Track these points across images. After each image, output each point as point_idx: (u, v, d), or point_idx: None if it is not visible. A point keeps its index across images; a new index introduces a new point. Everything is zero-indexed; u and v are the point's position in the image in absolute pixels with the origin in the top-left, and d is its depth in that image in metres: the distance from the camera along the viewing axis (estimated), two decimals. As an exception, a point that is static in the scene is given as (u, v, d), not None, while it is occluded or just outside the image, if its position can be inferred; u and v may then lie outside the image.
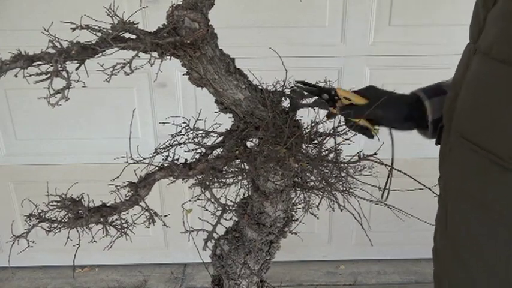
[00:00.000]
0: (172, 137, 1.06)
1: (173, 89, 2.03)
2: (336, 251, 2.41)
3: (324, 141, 1.01)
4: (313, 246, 2.36)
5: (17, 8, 1.88)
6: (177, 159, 1.03)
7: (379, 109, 0.95)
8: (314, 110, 1.04)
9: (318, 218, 1.19)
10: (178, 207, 1.16)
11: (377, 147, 0.99)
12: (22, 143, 2.13)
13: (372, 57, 1.99)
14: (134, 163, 1.02)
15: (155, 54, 0.83)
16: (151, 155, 1.03)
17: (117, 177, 0.99)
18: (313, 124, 1.01)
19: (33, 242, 0.95)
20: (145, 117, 2.08)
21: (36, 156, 2.15)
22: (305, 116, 1.05)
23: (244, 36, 1.92)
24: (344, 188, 1.04)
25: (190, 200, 1.08)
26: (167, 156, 1.03)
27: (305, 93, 1.02)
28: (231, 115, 1.05)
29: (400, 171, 1.00)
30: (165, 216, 1.07)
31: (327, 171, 1.00)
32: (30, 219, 0.94)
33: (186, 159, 1.03)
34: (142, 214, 0.99)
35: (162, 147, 1.05)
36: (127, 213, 1.00)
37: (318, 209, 1.09)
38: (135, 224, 1.00)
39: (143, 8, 1.69)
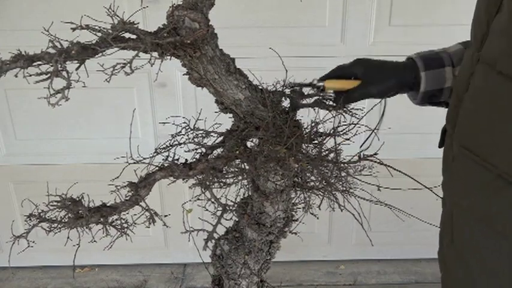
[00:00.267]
0: (172, 137, 1.06)
1: (173, 89, 2.03)
2: (336, 251, 2.41)
3: (324, 141, 1.01)
4: (313, 246, 2.36)
5: (17, 8, 1.88)
6: (177, 159, 1.03)
7: (371, 87, 0.92)
8: (314, 110, 1.04)
9: (318, 218, 1.19)
10: (179, 207, 1.16)
11: (377, 147, 0.99)
12: (22, 143, 2.13)
13: (372, 57, 1.99)
14: (134, 163, 1.02)
15: (155, 54, 0.83)
16: (151, 155, 1.03)
17: (117, 177, 0.99)
18: (313, 124, 1.01)
19: (33, 242, 0.95)
20: (145, 117, 2.08)
21: (36, 156, 2.15)
22: (305, 116, 1.05)
23: (244, 36, 1.92)
24: (344, 188, 1.04)
25: (190, 200, 1.08)
26: (167, 156, 1.03)
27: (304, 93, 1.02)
28: (231, 115, 1.05)
29: (400, 171, 1.00)
30: (165, 216, 1.07)
31: (327, 171, 1.00)
32: (30, 219, 0.94)
33: (186, 159, 1.03)
34: (143, 214, 0.99)
35: (162, 147, 1.05)
36: (127, 213, 1.00)
37: (320, 209, 1.09)
38: (135, 224, 1.00)
39: (143, 8, 1.69)
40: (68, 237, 0.95)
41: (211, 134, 1.07)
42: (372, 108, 1.02)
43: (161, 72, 0.86)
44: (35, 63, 0.73)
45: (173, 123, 1.09)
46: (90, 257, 2.30)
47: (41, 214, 0.94)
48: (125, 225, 1.00)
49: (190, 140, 1.06)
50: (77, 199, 0.95)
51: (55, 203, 0.93)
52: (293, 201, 1.16)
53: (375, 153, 0.98)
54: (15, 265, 2.38)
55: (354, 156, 0.99)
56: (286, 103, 1.03)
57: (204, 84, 0.95)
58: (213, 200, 1.08)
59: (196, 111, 1.10)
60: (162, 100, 2.05)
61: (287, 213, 1.14)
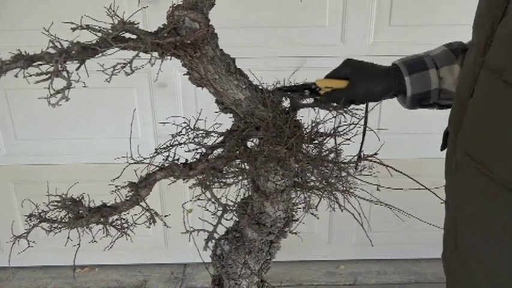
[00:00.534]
0: (172, 137, 1.06)
1: (173, 89, 2.03)
2: (336, 251, 2.41)
3: (325, 142, 1.01)
4: (313, 246, 2.36)
5: (17, 8, 1.88)
6: (178, 159, 1.03)
7: (359, 88, 0.94)
8: (314, 110, 1.04)
9: (318, 218, 1.19)
10: (179, 207, 1.16)
11: (377, 147, 0.99)
12: (22, 143, 2.13)
13: (372, 57, 1.97)
14: (134, 163, 1.02)
15: (155, 54, 0.83)
16: (151, 155, 1.03)
17: (118, 177, 0.99)
18: (313, 124, 1.01)
19: (34, 242, 0.95)
20: (145, 117, 2.08)
21: (36, 156, 2.15)
22: (305, 116, 1.05)
23: (244, 36, 1.92)
24: (344, 188, 1.04)
25: (190, 200, 1.08)
26: (167, 156, 1.03)
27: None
28: (231, 115, 1.05)
29: (401, 172, 1.00)
30: (166, 216, 1.07)
31: (327, 171, 1.00)
32: (30, 219, 0.94)
33: (186, 159, 1.03)
34: (143, 214, 0.99)
35: (162, 147, 1.05)
36: (127, 214, 1.00)
37: (317, 210, 1.09)
38: (135, 224, 1.00)
39: (143, 8, 1.69)
40: (68, 237, 0.95)
41: (212, 134, 1.07)
42: (372, 108, 1.02)
43: (161, 72, 0.86)
44: (35, 63, 0.73)
45: (173, 123, 1.09)
46: (90, 257, 2.30)
47: (41, 214, 0.94)
48: (125, 225, 1.00)
49: (190, 140, 1.06)
50: (77, 199, 0.95)
51: (55, 203, 0.93)
52: (293, 201, 1.16)
53: (375, 153, 0.98)
54: (15, 265, 2.38)
55: (354, 156, 0.99)
56: (286, 103, 1.03)
57: (204, 84, 0.95)
58: (213, 200, 1.08)
59: (197, 111, 1.10)
60: (162, 100, 2.05)
61: (287, 213, 1.14)
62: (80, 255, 1.00)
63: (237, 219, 1.19)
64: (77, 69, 0.76)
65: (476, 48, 0.76)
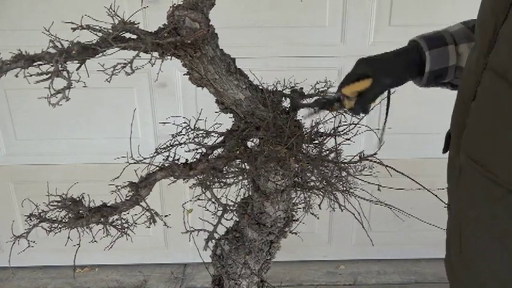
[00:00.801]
0: (172, 137, 1.06)
1: (173, 89, 2.03)
2: (336, 251, 2.41)
3: (325, 141, 1.01)
4: (313, 246, 2.36)
5: (17, 8, 1.88)
6: (178, 159, 1.03)
7: (384, 79, 0.90)
8: (315, 110, 1.04)
9: (318, 218, 1.19)
10: (179, 207, 1.16)
11: (377, 147, 0.99)
12: (22, 143, 2.13)
13: (372, 57, 1.99)
14: (135, 163, 1.02)
15: (156, 54, 0.83)
16: (151, 155, 1.03)
17: (118, 177, 0.99)
18: (313, 124, 1.01)
19: (34, 242, 0.95)
20: (145, 117, 2.08)
21: (36, 156, 2.15)
22: (305, 116, 1.05)
23: (244, 36, 1.92)
24: (344, 188, 1.04)
25: (190, 200, 1.08)
26: (168, 156, 1.03)
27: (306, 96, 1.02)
28: (231, 115, 1.05)
29: (401, 172, 0.99)
30: (166, 216, 1.07)
31: (327, 171, 1.00)
32: (30, 219, 0.94)
33: (186, 159, 1.03)
34: (143, 214, 0.99)
35: (162, 147, 1.05)
36: (127, 213, 1.00)
37: (320, 208, 1.09)
38: (135, 224, 1.00)
39: (144, 8, 1.69)
40: (68, 237, 0.95)
41: (212, 134, 1.07)
42: (372, 109, 1.02)
43: (161, 72, 0.86)
44: (35, 63, 0.73)
45: (173, 123, 1.09)
46: (90, 257, 2.30)
47: (41, 214, 0.94)
48: (125, 225, 1.00)
49: (190, 140, 1.06)
50: (78, 199, 0.95)
51: (55, 203, 0.93)
52: (293, 201, 1.16)
53: (375, 153, 0.98)
54: (15, 265, 2.38)
55: (355, 156, 0.99)
56: (286, 103, 1.03)
57: (204, 84, 0.95)
58: (213, 200, 1.08)
59: (197, 111, 1.10)
60: (162, 100, 2.05)
61: (287, 213, 1.14)
62: (80, 255, 1.00)
63: (237, 219, 1.19)
64: (77, 69, 0.77)
65: (479, 49, 0.75)
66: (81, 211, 0.94)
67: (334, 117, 1.02)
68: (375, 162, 0.99)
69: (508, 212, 0.71)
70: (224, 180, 1.06)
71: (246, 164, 1.05)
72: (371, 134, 1.12)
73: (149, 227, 0.99)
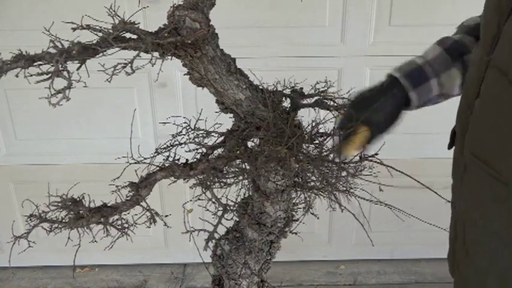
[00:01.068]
0: (172, 137, 1.06)
1: (173, 89, 2.03)
2: (336, 251, 2.41)
3: (325, 142, 1.01)
4: (313, 246, 2.36)
5: (17, 8, 1.88)
6: (178, 159, 1.03)
7: (381, 129, 0.94)
8: (315, 110, 1.04)
9: (318, 218, 1.19)
10: (179, 207, 1.16)
11: (378, 147, 0.99)
12: (22, 143, 2.13)
13: (372, 57, 1.99)
14: (135, 163, 1.02)
15: (156, 54, 0.83)
16: (151, 155, 1.03)
17: (118, 177, 0.99)
18: (313, 124, 1.01)
19: (34, 242, 0.95)
20: (145, 117, 2.08)
21: (36, 156, 2.15)
22: (306, 116, 1.05)
23: (244, 36, 1.92)
24: (344, 188, 1.04)
25: (191, 200, 1.08)
26: (168, 156, 1.03)
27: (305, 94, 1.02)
28: (231, 115, 1.05)
29: (401, 171, 0.99)
30: (166, 216, 1.07)
31: (327, 171, 1.00)
32: (30, 220, 0.94)
33: (186, 159, 1.03)
34: (143, 214, 0.99)
35: (162, 147, 1.05)
36: (128, 214, 1.00)
37: (318, 210, 1.09)
38: (135, 224, 1.00)
39: (144, 8, 1.69)
40: (69, 237, 0.95)
41: (212, 134, 1.07)
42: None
43: (161, 72, 0.86)
44: (35, 63, 0.73)
45: (173, 123, 1.09)
46: (90, 257, 2.30)
47: (42, 214, 0.94)
48: (126, 225, 1.00)
49: (190, 140, 1.06)
50: (78, 199, 0.95)
51: (55, 203, 0.93)
52: (293, 201, 1.16)
53: (376, 154, 0.98)
54: (15, 265, 2.38)
55: (355, 156, 0.99)
56: (286, 103, 1.03)
57: (204, 84, 0.95)
58: (213, 200, 1.08)
59: (197, 111, 1.10)
60: (162, 100, 2.05)
61: (287, 213, 1.14)
62: (80, 255, 1.00)
63: (237, 219, 1.19)
64: (78, 69, 0.76)
65: (483, 47, 0.75)
66: (81, 211, 0.94)
67: (334, 117, 1.02)
68: (375, 162, 0.99)
69: None
70: (224, 180, 1.06)
71: (246, 164, 1.05)
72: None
73: (149, 227, 0.99)
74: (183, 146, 1.05)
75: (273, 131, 0.97)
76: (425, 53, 0.97)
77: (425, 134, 2.09)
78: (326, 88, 1.07)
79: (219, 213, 1.12)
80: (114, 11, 0.77)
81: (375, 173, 1.02)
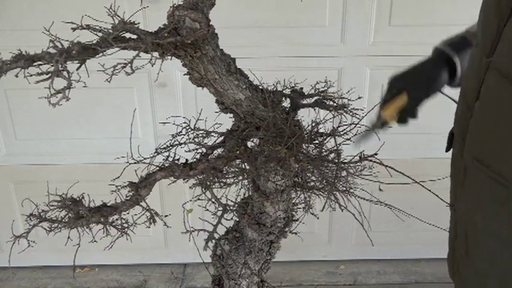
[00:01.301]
0: (172, 137, 1.06)
1: (173, 89, 2.03)
2: (336, 251, 2.41)
3: (325, 142, 1.01)
4: (313, 246, 2.36)
5: (17, 8, 1.88)
6: (178, 159, 1.03)
7: (419, 90, 0.92)
8: (315, 110, 1.04)
9: (318, 218, 1.19)
10: (179, 207, 1.16)
11: (377, 147, 0.99)
12: (22, 143, 2.13)
13: (372, 57, 1.99)
14: (135, 163, 1.02)
15: (156, 54, 0.83)
16: (151, 155, 1.03)
17: (118, 177, 0.99)
18: (313, 124, 1.01)
19: (34, 241, 0.95)
20: (145, 117, 2.08)
21: (36, 156, 2.15)
22: (306, 116, 1.05)
23: (244, 36, 1.92)
24: (344, 188, 1.04)
25: (190, 200, 1.08)
26: (168, 156, 1.03)
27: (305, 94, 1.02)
28: (231, 115, 1.05)
29: (401, 172, 0.99)
30: (166, 216, 1.07)
31: (327, 171, 1.00)
32: (30, 219, 0.94)
33: (186, 159, 1.03)
34: (143, 214, 0.99)
35: (162, 147, 1.05)
36: (127, 213, 1.00)
37: (320, 210, 1.09)
38: (135, 224, 1.00)
39: (144, 8, 1.69)
40: (69, 237, 0.95)
41: (212, 134, 1.07)
42: (372, 109, 1.02)
43: (161, 72, 0.86)
44: (35, 63, 0.73)
45: (173, 123, 1.09)
46: (90, 257, 2.30)
47: (41, 214, 0.94)
48: (125, 225, 1.00)
49: (190, 140, 1.06)
50: (78, 199, 0.95)
51: (55, 203, 0.93)
52: (293, 201, 1.16)
53: (376, 154, 0.98)
54: (15, 265, 2.38)
55: (355, 156, 0.99)
56: (286, 103, 1.03)
57: (204, 84, 0.95)
58: (213, 200, 1.08)
59: (197, 111, 1.10)
60: (162, 100, 2.05)
61: (287, 213, 1.14)
62: (80, 255, 1.00)
63: (237, 219, 1.19)
64: (78, 69, 0.77)
65: (482, 49, 0.75)
66: (81, 211, 0.94)
67: (334, 117, 1.02)
68: (375, 162, 0.99)
69: None
70: (224, 180, 1.06)
71: (246, 164, 1.05)
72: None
73: (149, 227, 0.99)
74: (183, 146, 1.05)
75: (273, 131, 0.97)
76: (467, 29, 0.97)
77: (425, 134, 2.09)
78: (326, 88, 1.07)
79: (219, 213, 1.12)
80: (114, 11, 0.77)
81: (374, 173, 1.02)
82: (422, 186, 1.00)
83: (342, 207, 1.06)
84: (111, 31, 0.77)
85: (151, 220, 1.00)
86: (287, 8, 1.90)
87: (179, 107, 2.06)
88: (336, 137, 1.00)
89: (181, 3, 0.84)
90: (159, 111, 2.07)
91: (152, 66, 0.81)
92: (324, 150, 1.00)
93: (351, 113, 1.01)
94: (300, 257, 2.40)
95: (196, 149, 1.05)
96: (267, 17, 1.91)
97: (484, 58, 0.74)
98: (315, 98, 1.04)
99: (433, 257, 2.38)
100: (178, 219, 1.12)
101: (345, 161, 1.00)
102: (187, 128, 1.07)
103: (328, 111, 1.03)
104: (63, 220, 0.94)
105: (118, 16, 0.78)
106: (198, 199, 1.06)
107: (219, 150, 1.04)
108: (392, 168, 0.98)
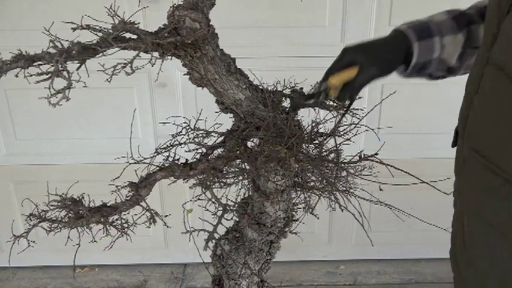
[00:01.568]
0: (172, 137, 1.06)
1: (173, 89, 2.03)
2: (336, 251, 2.41)
3: (325, 141, 1.01)
4: (313, 246, 2.36)
5: (17, 8, 1.88)
6: (178, 159, 1.03)
7: (371, 68, 0.87)
8: (315, 110, 1.04)
9: (318, 218, 1.19)
10: (179, 207, 1.16)
11: (378, 147, 0.99)
12: (22, 143, 2.13)
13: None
14: (135, 163, 1.02)
15: (156, 54, 0.83)
16: (151, 155, 1.03)
17: (118, 177, 0.99)
18: (313, 124, 1.01)
19: (34, 241, 0.95)
20: (145, 117, 2.08)
21: (36, 156, 2.15)
22: (306, 116, 1.05)
23: (244, 36, 1.92)
24: (344, 188, 1.04)
25: (190, 200, 1.08)
26: (168, 156, 1.03)
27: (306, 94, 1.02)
28: (231, 115, 1.05)
29: (401, 169, 1.00)
30: (166, 216, 1.07)
31: (327, 171, 1.00)
32: (30, 219, 0.94)
33: (186, 159, 1.03)
34: (143, 214, 0.99)
35: (162, 147, 1.05)
36: (127, 213, 1.00)
37: (322, 210, 1.09)
38: (135, 224, 1.00)
39: (144, 8, 1.69)
40: (68, 237, 0.95)
41: (212, 134, 1.07)
42: (372, 109, 1.02)
43: (161, 72, 0.86)
44: (35, 63, 0.73)
45: (173, 123, 1.09)
46: (90, 257, 2.30)
47: (41, 214, 0.94)
48: (125, 225, 1.00)
49: (190, 140, 1.06)
50: (78, 199, 0.95)
51: (55, 203, 0.93)
52: (293, 201, 1.16)
53: (376, 154, 0.99)
54: (15, 265, 2.38)
55: (355, 156, 0.99)
56: (286, 103, 1.03)
57: (204, 84, 0.95)
58: (213, 200, 1.08)
59: (197, 111, 1.10)
60: (162, 100, 2.05)
61: (287, 213, 1.14)
62: (80, 255, 1.00)
63: (237, 219, 1.19)
64: (78, 69, 0.77)
65: (484, 45, 0.77)
66: (81, 211, 0.94)
67: (334, 117, 1.02)
68: (375, 162, 0.99)
69: (507, 202, 0.72)
70: (224, 180, 1.06)
71: (246, 164, 1.05)
72: (371, 134, 1.12)
73: (149, 227, 0.99)
74: (183, 146, 1.05)
75: (273, 131, 0.97)
76: (431, 16, 0.95)
77: (425, 134, 2.09)
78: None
79: (219, 213, 1.12)
80: (114, 11, 0.78)
81: (375, 173, 1.02)
82: (426, 182, 1.00)
83: (342, 208, 1.06)
84: (111, 31, 0.77)
85: (152, 220, 1.00)
86: (287, 8, 1.90)
87: (179, 107, 2.06)
88: (336, 137, 1.00)
89: (181, 3, 0.84)
90: (159, 111, 2.07)
91: (152, 66, 0.81)
92: (324, 150, 1.00)
93: (351, 113, 1.01)
94: (300, 257, 2.40)
95: (196, 149, 1.05)
96: (267, 17, 1.91)
97: (485, 52, 0.75)
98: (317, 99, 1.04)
99: (433, 257, 2.38)
100: (178, 219, 1.12)
101: (345, 161, 1.00)
102: (187, 128, 1.07)
103: (328, 111, 1.03)
104: (63, 220, 0.94)
105: (118, 16, 0.78)
106: (198, 199, 1.06)
107: (219, 150, 1.04)
108: (393, 166, 0.98)
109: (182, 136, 1.06)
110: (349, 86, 0.88)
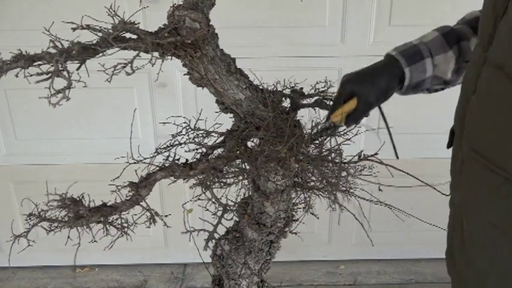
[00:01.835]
0: (172, 137, 1.06)
1: (173, 89, 2.03)
2: (336, 251, 2.41)
3: (325, 141, 1.01)
4: (313, 246, 2.36)
5: (17, 8, 1.88)
6: (178, 159, 1.03)
7: (368, 98, 0.93)
8: (315, 110, 1.04)
9: (318, 218, 1.19)
10: (179, 207, 1.16)
11: (378, 147, 0.99)
12: (22, 143, 2.13)
13: (372, 57, 1.98)
14: (135, 163, 1.02)
15: (156, 54, 0.83)
16: (151, 155, 1.03)
17: (118, 177, 0.99)
18: (314, 124, 1.01)
19: (34, 241, 0.95)
20: (145, 117, 2.08)
21: (36, 156, 2.15)
22: (306, 116, 1.05)
23: (244, 36, 1.92)
24: (345, 188, 1.04)
25: (190, 200, 1.08)
26: (168, 156, 1.03)
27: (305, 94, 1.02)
28: (231, 115, 1.05)
29: (401, 170, 1.00)
30: (166, 216, 1.07)
31: (327, 171, 1.00)
32: (30, 219, 0.94)
33: (186, 159, 1.03)
34: (143, 214, 0.99)
35: (162, 147, 1.05)
36: (127, 213, 1.00)
37: (322, 210, 1.09)
38: (135, 224, 1.00)
39: (144, 8, 1.69)
40: (68, 237, 0.95)
41: (212, 134, 1.07)
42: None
43: (161, 72, 0.86)
44: (35, 63, 0.73)
45: (173, 123, 1.09)
46: (90, 257, 2.30)
47: (41, 213, 0.94)
48: (125, 225, 1.00)
49: (190, 140, 1.06)
50: (77, 199, 0.95)
51: (55, 203, 0.93)
52: (293, 201, 1.16)
53: (376, 153, 0.99)
54: (15, 265, 2.38)
55: (355, 156, 0.99)
56: (286, 103, 1.03)
57: (204, 84, 0.95)
58: (213, 200, 1.08)
59: (197, 111, 1.10)
60: (162, 100, 2.05)
61: (287, 213, 1.14)
62: (80, 255, 1.00)
63: (237, 219, 1.19)
64: (78, 69, 0.77)
65: (481, 45, 0.78)
66: (81, 211, 0.94)
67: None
68: (375, 162, 0.99)
69: (507, 201, 0.72)
70: (224, 180, 1.06)
71: (246, 164, 1.05)
72: (371, 134, 1.12)
73: (149, 227, 0.99)
74: (183, 146, 1.05)
75: (273, 131, 0.97)
76: (422, 36, 0.99)
77: (425, 134, 2.09)
78: (326, 88, 1.07)
79: (219, 213, 1.12)
80: (114, 11, 0.78)
81: (375, 173, 1.02)
82: (425, 183, 1.00)
83: (342, 208, 1.06)
84: (111, 31, 0.77)
85: (152, 220, 1.00)
86: (287, 8, 1.90)
87: (179, 107, 2.06)
88: (336, 137, 1.00)
89: (181, 3, 0.84)
90: (159, 111, 2.07)
91: (152, 66, 0.81)
92: (324, 150, 1.00)
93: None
94: (300, 257, 2.40)
95: (196, 149, 1.05)
96: (267, 17, 1.91)
97: (481, 53, 0.76)
98: (315, 98, 1.04)
99: (433, 257, 2.37)
100: (178, 219, 1.12)
101: (345, 161, 1.00)
102: (187, 128, 1.07)
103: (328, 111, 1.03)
104: (63, 220, 0.94)
105: (118, 16, 0.78)
106: (198, 199, 1.06)
107: (219, 150, 1.04)
108: (393, 166, 0.98)
109: (182, 136, 1.07)
110: (352, 118, 0.95)
